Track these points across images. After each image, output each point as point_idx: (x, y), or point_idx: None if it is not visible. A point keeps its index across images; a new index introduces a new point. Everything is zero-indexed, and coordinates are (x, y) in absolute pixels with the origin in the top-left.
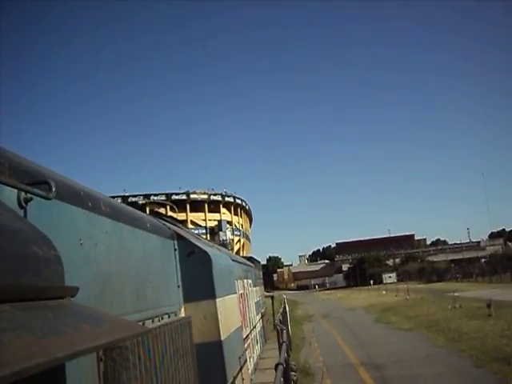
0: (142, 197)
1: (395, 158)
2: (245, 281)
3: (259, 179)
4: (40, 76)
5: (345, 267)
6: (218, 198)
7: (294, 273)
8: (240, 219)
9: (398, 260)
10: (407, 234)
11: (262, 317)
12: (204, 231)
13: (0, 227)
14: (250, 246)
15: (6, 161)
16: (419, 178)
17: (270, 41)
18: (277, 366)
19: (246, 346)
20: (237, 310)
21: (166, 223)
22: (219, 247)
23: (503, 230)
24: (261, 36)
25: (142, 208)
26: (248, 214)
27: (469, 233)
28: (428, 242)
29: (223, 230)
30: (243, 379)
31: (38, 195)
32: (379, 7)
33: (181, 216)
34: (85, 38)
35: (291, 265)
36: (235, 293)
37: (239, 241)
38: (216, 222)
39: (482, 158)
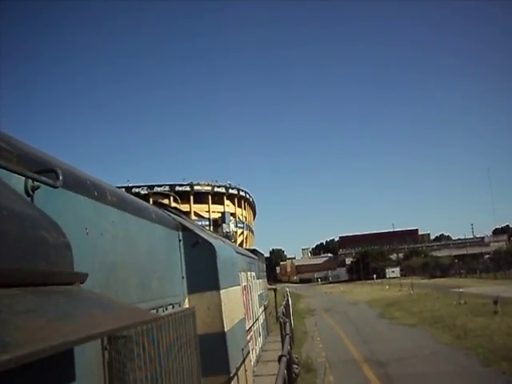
0: (145, 188)
1: (400, 152)
2: (248, 273)
3: (263, 172)
4: (46, 66)
5: (348, 261)
6: (222, 189)
7: (296, 266)
8: (244, 211)
9: (401, 255)
10: (411, 228)
11: (264, 309)
12: (207, 223)
13: (10, 212)
14: (253, 238)
15: (14, 149)
16: (424, 173)
17: (277, 36)
18: (280, 357)
19: (248, 338)
20: (240, 301)
21: (171, 214)
22: (223, 239)
23: (507, 226)
24: (265, 31)
25: (144, 198)
26: (252, 206)
27: (472, 228)
28: (432, 238)
29: (227, 222)
30: (246, 371)
31: (45, 183)
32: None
33: (184, 207)
34: (93, 29)
35: (294, 258)
36: (239, 285)
37: (242, 233)
38: (219, 214)
39: (487, 153)
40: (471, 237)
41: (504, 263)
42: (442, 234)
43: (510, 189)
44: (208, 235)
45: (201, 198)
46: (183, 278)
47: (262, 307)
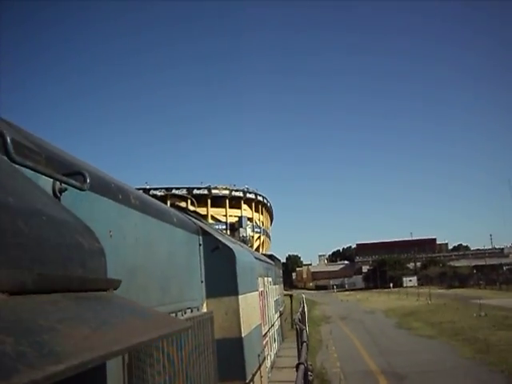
0: (163, 190)
1: (420, 162)
2: (265, 278)
3: (282, 178)
4: (60, 60)
5: (365, 269)
6: (240, 194)
7: (312, 272)
8: (261, 216)
9: (418, 264)
10: (429, 237)
11: (280, 315)
12: (224, 227)
13: (50, 218)
14: (269, 243)
15: (43, 151)
16: (444, 183)
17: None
18: (298, 365)
19: (264, 343)
20: (257, 307)
21: (191, 218)
22: (241, 244)
23: None
24: (294, 35)
25: (162, 201)
26: (269, 211)
27: (491, 239)
28: (450, 247)
29: (244, 226)
30: (261, 377)
31: (72, 186)
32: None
33: (201, 211)
34: (108, 24)
35: (310, 264)
36: (257, 290)
37: (259, 238)
38: (236, 218)
39: (508, 164)
40: (490, 247)
41: None
42: (461, 244)
43: None
44: (227, 240)
45: (218, 201)
46: (202, 282)
47: (278, 313)
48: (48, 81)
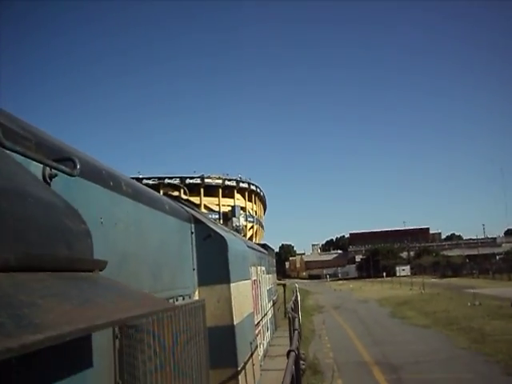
0: (156, 179)
1: (412, 151)
2: (258, 267)
3: (275, 168)
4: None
5: (358, 258)
6: (233, 183)
7: (306, 262)
8: (254, 205)
9: (412, 253)
10: (422, 227)
11: (273, 304)
12: (217, 216)
13: (36, 200)
14: (263, 232)
15: (33, 137)
16: (436, 172)
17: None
18: (289, 352)
19: (256, 332)
20: (250, 295)
21: (184, 206)
22: (234, 233)
23: None
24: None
25: (155, 190)
26: (262, 200)
27: (484, 229)
28: (442, 237)
29: (237, 215)
30: (253, 365)
31: (62, 171)
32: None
33: (194, 200)
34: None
35: (304, 253)
36: (249, 279)
37: (252, 227)
38: (229, 208)
39: (500, 153)
40: (483, 237)
41: None
42: (453, 234)
43: None
44: (220, 228)
45: (211, 190)
46: (194, 270)
47: (271, 302)
48: (38, 71)
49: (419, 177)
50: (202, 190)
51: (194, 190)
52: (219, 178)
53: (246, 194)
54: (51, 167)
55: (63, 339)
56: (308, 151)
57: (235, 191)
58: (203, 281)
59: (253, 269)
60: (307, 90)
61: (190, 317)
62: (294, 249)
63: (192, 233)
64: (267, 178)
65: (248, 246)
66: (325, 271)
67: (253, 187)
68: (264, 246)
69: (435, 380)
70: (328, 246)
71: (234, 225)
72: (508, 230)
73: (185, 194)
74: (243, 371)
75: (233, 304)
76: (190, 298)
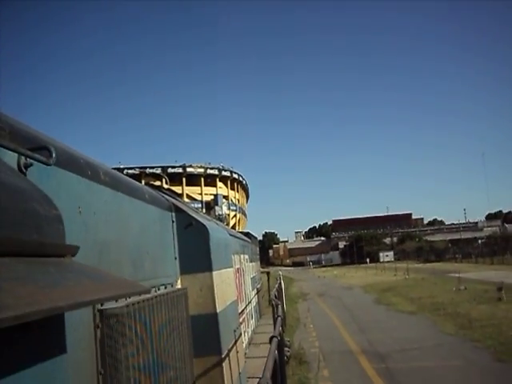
0: (137, 169)
1: (394, 137)
2: (241, 256)
3: (257, 156)
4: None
5: (341, 244)
6: (215, 172)
7: (289, 249)
8: (236, 194)
9: (395, 239)
10: (405, 212)
11: (257, 292)
12: (200, 205)
13: (1, 185)
14: (246, 221)
15: (7, 126)
16: (418, 158)
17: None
18: (271, 338)
19: (241, 320)
20: (233, 283)
21: (164, 195)
22: (217, 221)
23: (500, 211)
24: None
25: (136, 180)
26: (245, 189)
27: (465, 213)
28: (425, 222)
29: (219, 204)
30: (237, 352)
31: (37, 160)
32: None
33: (176, 189)
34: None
35: (287, 241)
36: (232, 267)
37: (235, 216)
38: (212, 197)
39: (482, 138)
40: (464, 222)
41: (499, 248)
42: (436, 219)
43: (504, 174)
44: (201, 217)
45: (193, 180)
46: (176, 258)
47: (255, 290)
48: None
49: (401, 162)
50: (183, 180)
51: (175, 179)
52: (201, 167)
53: (229, 182)
54: (26, 156)
55: (24, 319)
56: (289, 138)
57: (217, 180)
58: (185, 269)
59: (236, 257)
60: (289, 77)
61: (173, 305)
62: (278, 236)
63: (173, 222)
64: (249, 167)
65: (231, 235)
66: (308, 258)
67: (235, 175)
68: (247, 234)
69: (424, 368)
70: (311, 233)
71: (216, 213)
72: (489, 214)
73: (166, 183)
74: (227, 359)
75: (215, 292)
76: (172, 286)
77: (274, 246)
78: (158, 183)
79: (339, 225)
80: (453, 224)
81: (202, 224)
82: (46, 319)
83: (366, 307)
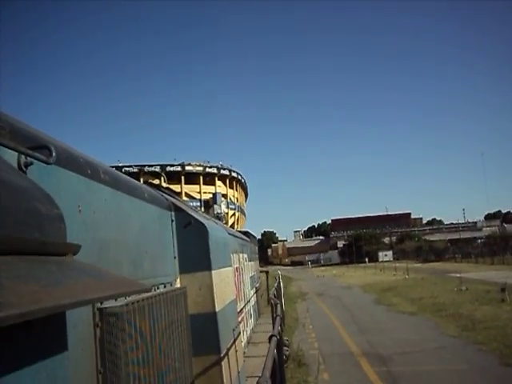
0: (136, 167)
1: (394, 137)
2: (240, 255)
3: (256, 156)
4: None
5: (340, 244)
6: (214, 170)
7: (288, 248)
8: (235, 193)
9: (394, 238)
10: (404, 212)
11: (256, 291)
12: (198, 204)
13: (3, 183)
14: (244, 220)
15: (7, 125)
16: (418, 158)
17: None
18: (271, 337)
19: (239, 319)
20: (232, 282)
21: (164, 194)
22: (216, 220)
23: (499, 211)
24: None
25: (135, 178)
26: (243, 187)
27: (464, 213)
28: (424, 222)
29: (218, 203)
30: (236, 351)
31: (38, 159)
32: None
33: (175, 188)
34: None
35: (286, 240)
36: (231, 266)
37: (234, 214)
38: (211, 195)
39: (481, 138)
40: (463, 221)
41: (498, 248)
42: (434, 219)
43: (503, 174)
44: (200, 216)
45: (192, 178)
46: (175, 257)
47: (254, 289)
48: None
49: (400, 162)
50: (182, 178)
51: (174, 177)
52: (200, 166)
53: (227, 181)
54: (26, 155)
55: (28, 317)
56: (288, 138)
57: (216, 178)
58: (184, 268)
59: (235, 256)
60: (289, 77)
61: (172, 304)
62: (276, 235)
63: (172, 221)
64: (249, 166)
65: (229, 234)
66: (307, 257)
67: (234, 174)
68: (246, 233)
69: (428, 372)
70: (310, 233)
71: (215, 212)
72: (488, 214)
73: (165, 181)
74: (226, 358)
75: (214, 291)
76: (171, 285)
77: (273, 245)
78: (156, 181)
79: (338, 224)
80: (452, 224)
81: (201, 223)
82: (48, 317)
83: (365, 307)
